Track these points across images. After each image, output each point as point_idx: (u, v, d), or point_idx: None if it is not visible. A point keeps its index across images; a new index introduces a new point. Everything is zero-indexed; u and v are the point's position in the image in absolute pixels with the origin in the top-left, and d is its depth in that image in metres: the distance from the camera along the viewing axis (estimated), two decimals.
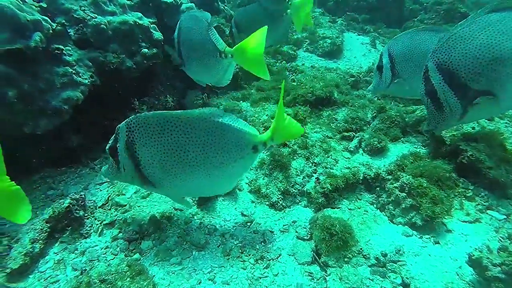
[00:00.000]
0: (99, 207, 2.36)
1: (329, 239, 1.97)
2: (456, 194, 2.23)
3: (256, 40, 2.32)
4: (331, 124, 3.13)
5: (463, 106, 2.16)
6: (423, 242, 2.00)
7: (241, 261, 1.98)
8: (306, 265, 1.96)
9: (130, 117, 1.79)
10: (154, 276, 1.84)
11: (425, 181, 2.14)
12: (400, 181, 2.23)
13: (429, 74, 2.22)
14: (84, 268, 1.93)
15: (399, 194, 2.18)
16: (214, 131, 1.74)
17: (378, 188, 2.39)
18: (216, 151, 1.77)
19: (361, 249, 1.98)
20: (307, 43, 5.27)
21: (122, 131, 1.80)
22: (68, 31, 2.70)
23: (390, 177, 2.33)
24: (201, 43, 2.56)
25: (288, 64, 4.67)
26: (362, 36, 5.86)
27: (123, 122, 1.82)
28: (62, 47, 2.49)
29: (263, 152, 2.82)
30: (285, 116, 1.87)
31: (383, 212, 2.28)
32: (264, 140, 1.87)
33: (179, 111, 1.76)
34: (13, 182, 1.49)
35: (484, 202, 2.19)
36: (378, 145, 2.75)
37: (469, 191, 2.23)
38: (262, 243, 2.10)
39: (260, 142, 1.86)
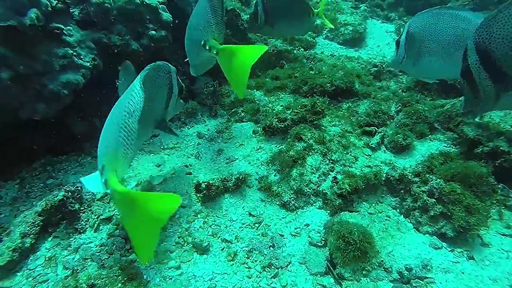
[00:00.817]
0: (97, 200, 2.21)
1: (346, 248, 1.75)
2: (494, 202, 1.96)
3: (250, 54, 1.91)
4: (351, 118, 2.88)
5: (497, 92, 1.91)
6: (454, 256, 1.76)
7: (247, 268, 1.79)
8: (318, 276, 1.76)
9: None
10: (148, 282, 1.67)
11: (458, 187, 1.88)
12: (429, 185, 1.98)
13: (467, 53, 1.98)
14: (75, 268, 1.77)
15: (428, 200, 1.93)
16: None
17: (402, 191, 2.13)
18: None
19: (382, 261, 1.75)
20: (327, 30, 4.95)
21: None
22: (72, 10, 2.53)
23: (417, 179, 2.07)
24: (193, 21, 2.29)
25: (306, 51, 4.39)
26: (386, 23, 5.49)
27: None
28: (62, 26, 2.31)
29: (276, 146, 2.60)
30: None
31: (407, 219, 2.03)
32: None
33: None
34: None
35: None
36: (403, 142, 2.49)
37: (510, 199, 1.96)
38: (271, 248, 1.90)
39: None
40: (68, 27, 2.38)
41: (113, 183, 1.31)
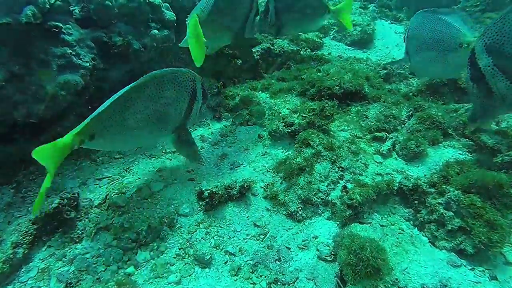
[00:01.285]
0: (95, 207, 2.11)
1: (357, 264, 1.63)
2: None
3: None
4: (361, 122, 2.76)
5: None
6: (475, 276, 1.64)
7: (251, 284, 1.68)
8: None
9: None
10: None
11: (478, 200, 1.76)
12: (445, 196, 1.86)
13: (475, 57, 1.97)
14: (69, 281, 1.67)
15: (445, 213, 1.81)
16: None
17: (416, 202, 2.02)
18: None
19: (396, 279, 1.63)
20: (334, 30, 4.84)
21: None
22: (72, 8, 2.44)
23: (432, 190, 1.96)
24: None
25: (313, 52, 4.27)
26: (395, 24, 5.36)
27: None
28: (60, 24, 2.21)
29: (283, 152, 2.49)
30: None
31: (422, 232, 1.92)
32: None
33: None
34: None
35: None
36: (415, 149, 2.36)
37: None
38: (277, 262, 1.79)
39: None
40: (67, 26, 2.28)
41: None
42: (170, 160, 2.53)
